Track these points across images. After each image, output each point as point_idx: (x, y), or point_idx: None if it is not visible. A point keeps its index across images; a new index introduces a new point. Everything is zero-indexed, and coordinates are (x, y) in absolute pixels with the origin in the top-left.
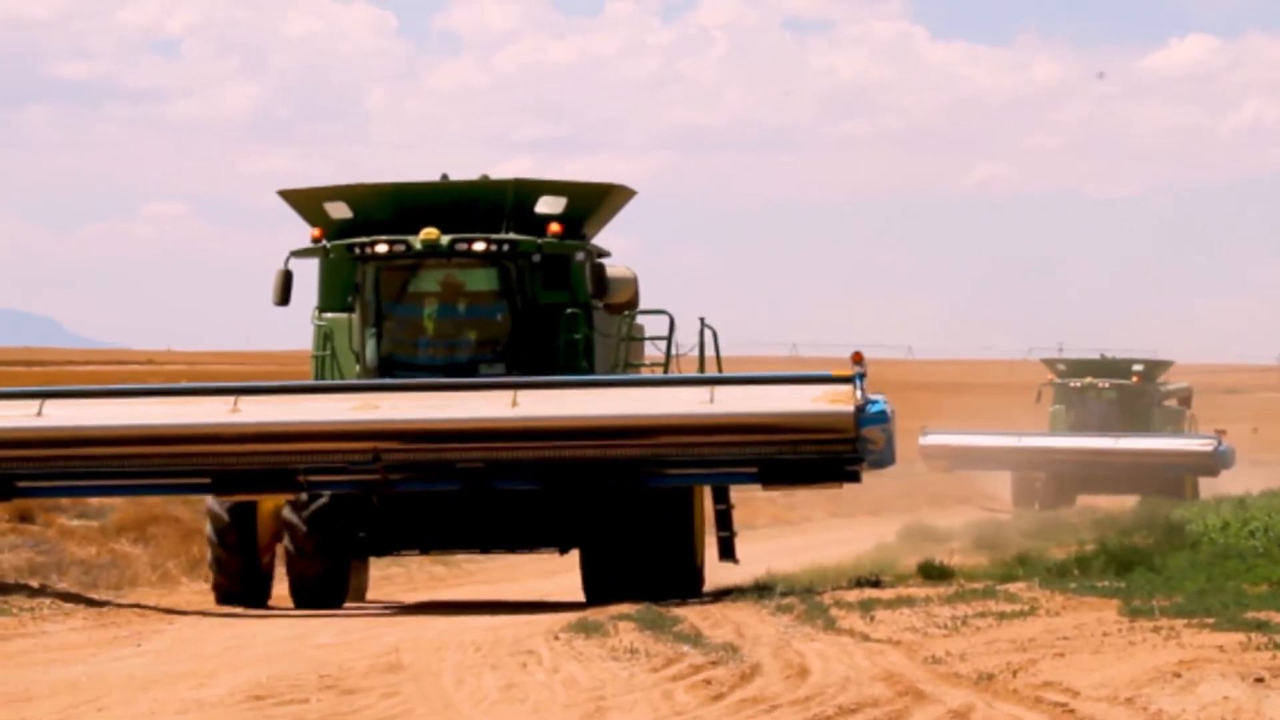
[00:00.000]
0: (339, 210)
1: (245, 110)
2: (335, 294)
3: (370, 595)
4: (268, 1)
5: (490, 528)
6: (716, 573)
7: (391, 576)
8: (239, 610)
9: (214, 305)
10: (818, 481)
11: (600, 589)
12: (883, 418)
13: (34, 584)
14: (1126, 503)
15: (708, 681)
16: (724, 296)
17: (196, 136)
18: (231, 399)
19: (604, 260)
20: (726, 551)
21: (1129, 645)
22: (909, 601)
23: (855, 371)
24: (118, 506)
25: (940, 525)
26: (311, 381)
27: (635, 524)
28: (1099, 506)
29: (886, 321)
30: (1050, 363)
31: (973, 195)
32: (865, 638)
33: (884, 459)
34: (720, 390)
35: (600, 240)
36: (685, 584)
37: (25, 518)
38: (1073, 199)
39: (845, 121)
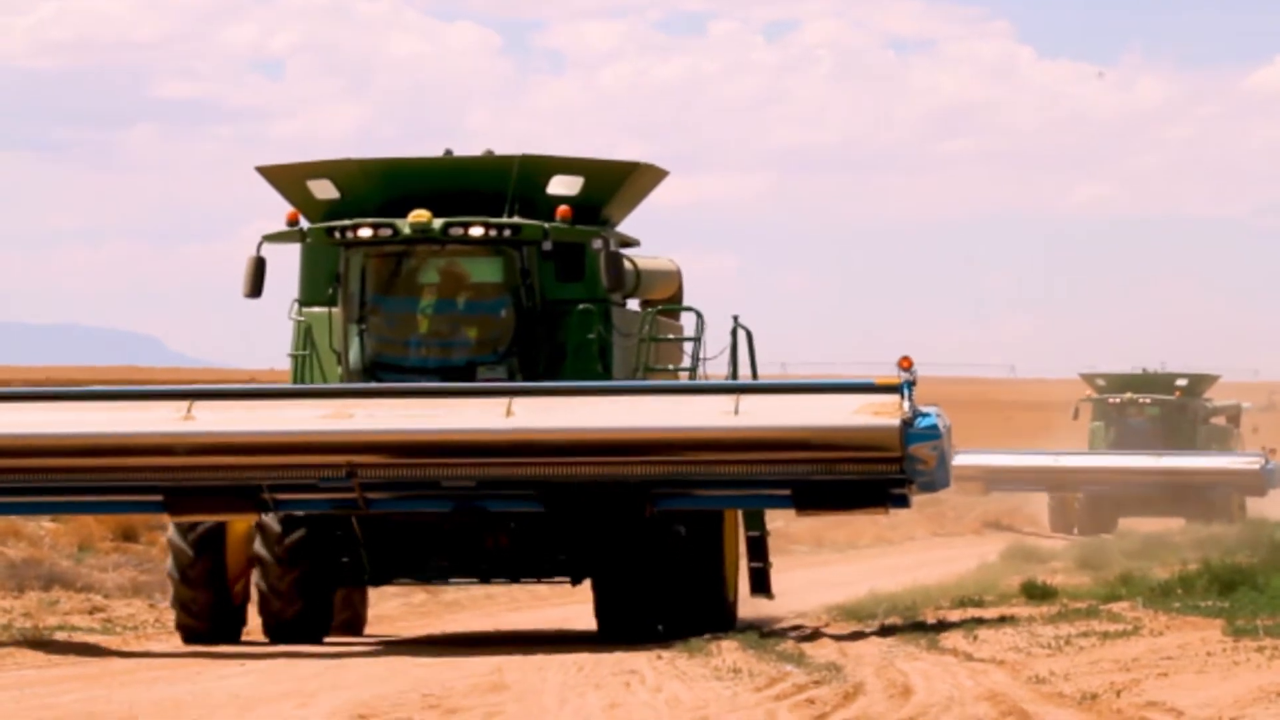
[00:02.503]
0: (324, 190)
1: (348, 130)
2: (317, 285)
3: (461, 618)
4: (371, 22)
5: (491, 554)
6: (818, 590)
7: (494, 595)
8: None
9: None
10: (859, 506)
11: (615, 626)
12: (934, 433)
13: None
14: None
15: (811, 701)
16: (826, 315)
17: (299, 156)
18: (185, 404)
19: (634, 249)
20: (759, 585)
21: (1233, 665)
22: (1012, 621)
23: (902, 380)
24: None
25: (1043, 545)
26: (276, 385)
27: (656, 552)
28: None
29: (990, 340)
30: (1089, 377)
31: (1077, 214)
32: (969, 657)
33: (936, 481)
34: (747, 400)
35: (638, 229)
36: (714, 621)
37: (129, 536)
38: (1177, 218)
39: (949, 141)
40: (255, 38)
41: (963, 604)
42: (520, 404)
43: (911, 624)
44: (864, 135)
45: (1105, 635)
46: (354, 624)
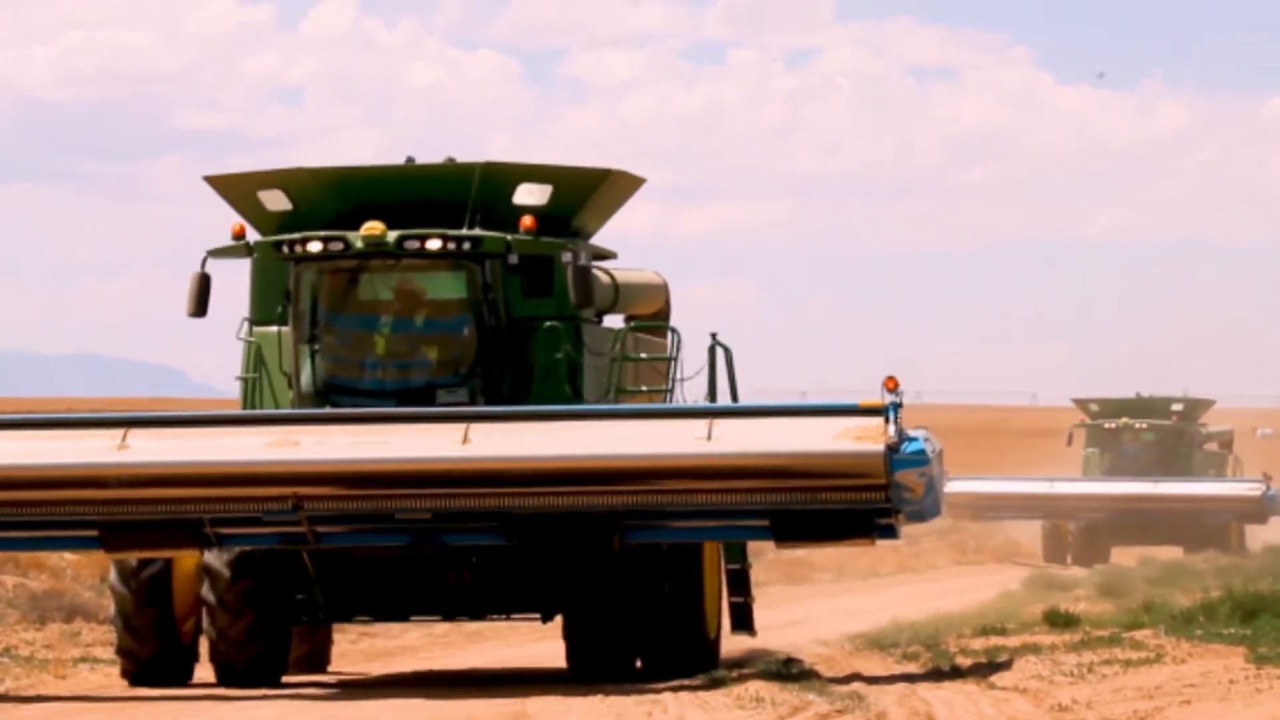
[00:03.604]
0: (275, 200)
1: (368, 158)
2: (267, 303)
3: (485, 648)
4: (391, 50)
5: (453, 589)
6: (840, 619)
7: (517, 626)
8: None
9: None
10: (843, 538)
11: (587, 665)
12: (921, 459)
13: None
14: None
15: None
16: (847, 342)
17: None
18: (120, 432)
19: (612, 261)
20: (741, 621)
21: (1255, 692)
22: (1035, 649)
23: (887, 402)
24: None
25: (1066, 573)
26: (216, 412)
27: (629, 587)
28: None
29: (1010, 369)
30: (1082, 402)
31: (1097, 241)
32: (991, 685)
33: (925, 510)
34: (721, 424)
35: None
36: (693, 659)
37: None
38: (1198, 245)
39: (970, 169)
40: (276, 67)
41: (985, 632)
42: (478, 430)
43: (934, 652)
44: (885, 162)
45: (1128, 663)
46: (317, 660)
